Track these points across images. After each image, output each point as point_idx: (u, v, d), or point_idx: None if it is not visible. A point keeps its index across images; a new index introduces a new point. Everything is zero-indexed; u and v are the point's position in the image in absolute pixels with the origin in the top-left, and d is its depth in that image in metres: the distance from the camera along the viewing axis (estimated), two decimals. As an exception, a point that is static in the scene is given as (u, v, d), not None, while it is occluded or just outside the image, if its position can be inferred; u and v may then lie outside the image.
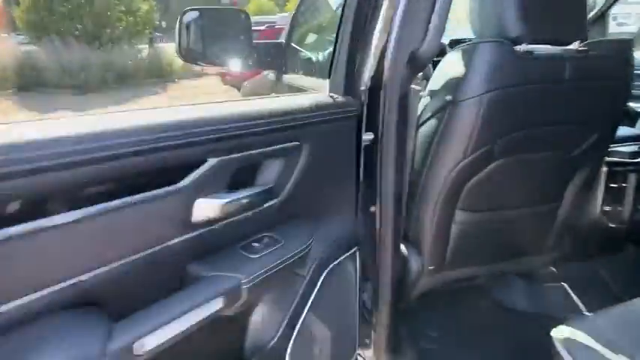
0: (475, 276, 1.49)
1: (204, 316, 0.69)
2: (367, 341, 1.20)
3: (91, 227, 0.61)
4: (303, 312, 0.93)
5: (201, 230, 0.76)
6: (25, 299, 0.57)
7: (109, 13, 9.85)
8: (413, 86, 1.13)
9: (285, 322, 0.91)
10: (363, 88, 0.98)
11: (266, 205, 0.85)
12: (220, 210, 0.76)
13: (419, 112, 1.26)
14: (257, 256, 0.80)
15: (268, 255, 0.81)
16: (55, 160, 0.56)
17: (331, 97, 0.96)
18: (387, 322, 1.16)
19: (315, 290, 0.95)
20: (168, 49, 9.92)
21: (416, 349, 1.34)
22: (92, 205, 0.60)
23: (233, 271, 0.76)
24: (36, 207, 0.57)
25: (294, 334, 0.92)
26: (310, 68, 1.74)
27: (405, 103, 0.99)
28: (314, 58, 1.74)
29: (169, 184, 0.68)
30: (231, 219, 0.79)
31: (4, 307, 0.55)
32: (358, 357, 1.20)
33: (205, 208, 0.74)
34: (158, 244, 0.70)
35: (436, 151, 1.18)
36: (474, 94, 1.05)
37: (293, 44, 1.78)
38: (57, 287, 0.59)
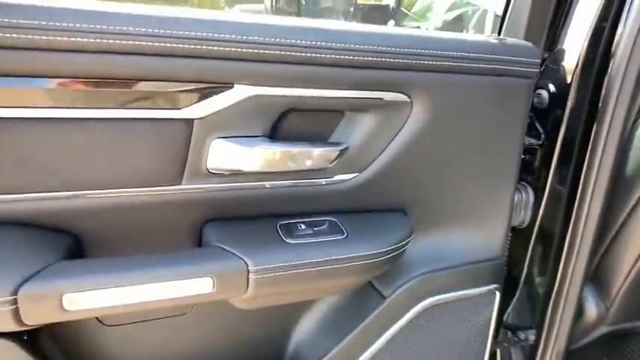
0: None
1: (181, 295, 0.52)
2: None
3: (80, 132, 0.50)
4: (372, 345, 0.70)
5: (223, 185, 0.58)
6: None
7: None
8: None
9: (338, 348, 0.69)
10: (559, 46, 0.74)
11: (338, 178, 0.63)
12: (251, 159, 0.55)
13: None
14: (294, 241, 0.59)
15: (313, 245, 0.59)
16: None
17: (498, 38, 0.70)
18: None
19: (402, 321, 0.71)
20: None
21: None
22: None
23: (249, 251, 0.56)
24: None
25: None
26: None
27: None
28: (424, 27, 1.53)
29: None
30: (277, 183, 0.59)
31: None
32: None
33: (226, 153, 0.54)
34: (158, 183, 0.54)
35: None
36: None
37: (403, 8, 1.55)
38: (19, 196, 0.50)
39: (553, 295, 0.88)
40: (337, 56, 0.54)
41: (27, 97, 0.46)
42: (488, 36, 0.71)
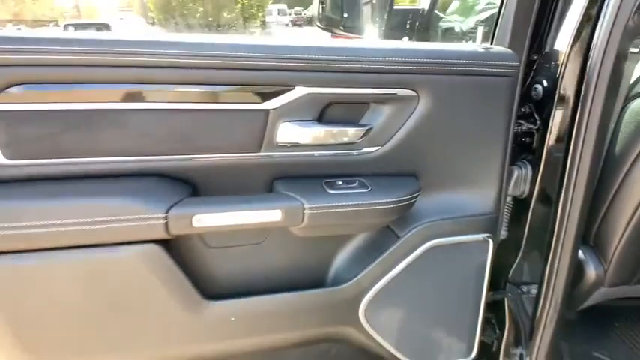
0: None
1: (262, 221, 0.80)
2: (520, 348, 1.17)
3: (196, 117, 0.78)
4: (388, 272, 0.93)
5: (288, 153, 0.84)
6: (137, 158, 0.79)
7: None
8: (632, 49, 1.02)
9: (364, 273, 0.92)
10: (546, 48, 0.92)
11: (365, 150, 0.87)
12: (305, 136, 0.82)
13: (631, 81, 1.13)
14: (334, 192, 0.83)
15: (347, 195, 0.83)
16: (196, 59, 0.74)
17: (484, 47, 0.90)
18: (550, 331, 1.09)
19: (411, 257, 0.94)
20: (277, 29, 10.59)
21: None
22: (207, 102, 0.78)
23: (304, 196, 0.82)
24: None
25: (372, 290, 0.93)
26: (451, 39, 1.68)
27: (620, 65, 0.89)
28: (457, 28, 1.67)
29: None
30: (323, 153, 0.85)
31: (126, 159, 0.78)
32: (510, 356, 1.19)
33: (290, 132, 0.81)
34: (245, 151, 0.82)
35: None
36: None
37: (437, 11, 1.74)
38: (163, 158, 0.79)
39: (550, 254, 1.04)
40: (365, 65, 0.80)
41: (158, 95, 0.75)
42: (478, 45, 0.93)
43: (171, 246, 0.82)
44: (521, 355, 1.18)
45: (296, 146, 0.84)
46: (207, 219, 0.77)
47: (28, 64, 0.68)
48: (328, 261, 0.97)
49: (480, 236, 0.97)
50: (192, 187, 0.82)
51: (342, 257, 0.97)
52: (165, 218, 0.74)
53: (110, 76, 0.72)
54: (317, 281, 0.97)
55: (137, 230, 0.74)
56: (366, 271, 0.92)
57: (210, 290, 0.87)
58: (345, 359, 1.04)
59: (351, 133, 0.85)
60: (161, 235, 0.76)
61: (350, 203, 0.83)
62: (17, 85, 0.68)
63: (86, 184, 0.76)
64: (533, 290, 1.13)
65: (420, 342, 1.03)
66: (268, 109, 0.80)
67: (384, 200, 0.85)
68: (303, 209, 0.81)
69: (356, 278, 0.93)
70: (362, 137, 0.86)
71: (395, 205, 0.87)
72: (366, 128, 0.86)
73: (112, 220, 0.73)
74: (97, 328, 0.81)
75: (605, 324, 1.41)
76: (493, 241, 0.99)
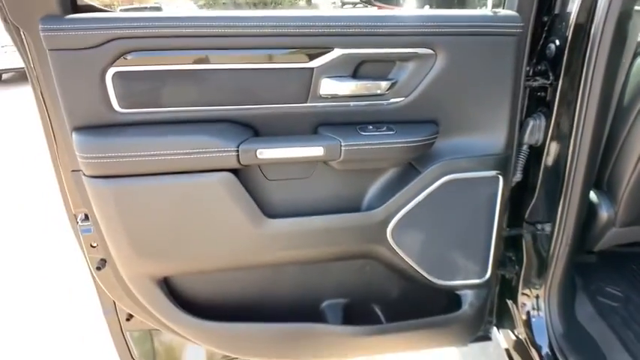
0: None
1: (308, 155, 1.01)
2: (536, 281, 1.32)
3: (257, 75, 0.99)
4: (411, 201, 1.10)
5: (328, 103, 1.00)
6: (216, 108, 1.00)
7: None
8: (636, 7, 1.13)
9: (391, 201, 1.10)
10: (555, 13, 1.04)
11: (392, 100, 1.02)
12: (343, 89, 0.98)
13: (639, 38, 1.22)
14: (365, 133, 1.00)
15: (376, 136, 1.00)
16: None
17: (493, 12, 1.02)
18: (562, 265, 1.24)
19: (430, 189, 1.10)
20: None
21: (593, 301, 1.36)
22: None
23: (341, 136, 1.00)
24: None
25: (397, 215, 1.11)
26: (469, 4, 1.77)
27: (623, 24, 0.98)
28: None
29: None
30: (357, 103, 1.01)
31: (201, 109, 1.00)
32: (524, 296, 1.34)
33: (330, 86, 0.98)
34: (295, 102, 1.00)
35: None
36: None
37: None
38: (233, 107, 1.00)
39: (562, 195, 1.18)
40: (390, 29, 0.99)
41: (229, 58, 0.95)
42: (486, 9, 1.09)
43: (241, 176, 1.06)
44: (536, 285, 1.33)
45: (335, 97, 1.01)
46: (268, 152, 0.99)
47: (138, 36, 0.92)
48: (362, 192, 1.15)
49: (491, 173, 1.14)
50: (255, 130, 1.02)
51: (373, 189, 1.14)
52: (237, 151, 0.98)
53: (194, 44, 0.94)
54: (353, 208, 1.14)
55: (216, 160, 0.99)
56: (392, 199, 1.11)
57: (271, 212, 1.11)
58: (377, 274, 1.26)
59: (379, 86, 1.01)
60: (234, 164, 1.00)
61: (378, 142, 1.03)
62: (130, 52, 0.93)
63: (178, 127, 1.00)
64: (548, 228, 1.27)
65: (439, 261, 1.23)
66: (313, 67, 0.97)
67: (407, 140, 1.05)
68: (341, 146, 1.00)
69: (384, 205, 1.12)
70: (389, 89, 1.02)
71: (416, 144, 1.06)
72: (392, 82, 1.02)
73: (197, 152, 0.98)
74: (188, 237, 1.07)
75: (621, 266, 1.53)
76: (503, 178, 1.16)
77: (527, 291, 1.36)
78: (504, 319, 1.48)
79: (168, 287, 1.17)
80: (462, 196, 1.16)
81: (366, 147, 1.03)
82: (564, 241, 1.24)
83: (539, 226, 1.30)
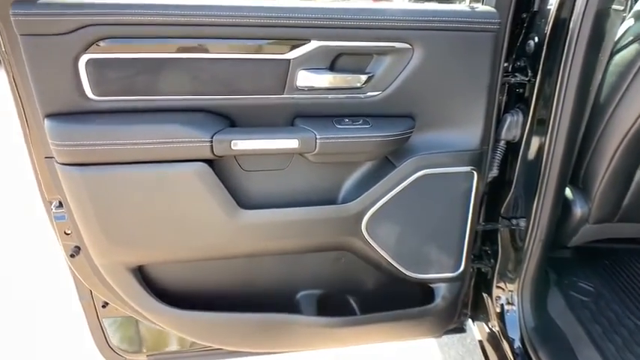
0: None
1: (283, 147, 1.01)
2: (511, 275, 1.33)
3: (233, 65, 0.98)
4: (386, 195, 1.10)
5: (305, 95, 1.00)
6: (192, 97, 1.00)
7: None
8: (614, 7, 1.14)
9: (366, 194, 1.10)
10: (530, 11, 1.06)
11: (369, 94, 1.02)
12: (319, 81, 0.98)
13: (617, 37, 1.23)
14: (341, 126, 1.01)
15: (352, 129, 1.01)
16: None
17: (470, 7, 1.03)
18: (536, 260, 1.25)
19: (405, 183, 1.10)
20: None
21: (565, 295, 1.39)
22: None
23: (317, 129, 0.99)
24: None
25: (372, 209, 1.12)
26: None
27: (601, 22, 0.99)
28: None
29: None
30: (334, 96, 1.01)
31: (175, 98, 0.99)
32: (499, 289, 1.36)
33: (307, 78, 0.98)
34: (271, 93, 1.00)
35: (631, 86, 1.14)
36: None
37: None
38: (208, 97, 1.00)
39: (537, 191, 1.18)
40: (367, 23, 0.99)
41: (205, 48, 0.94)
42: (466, 5, 1.09)
43: (216, 166, 1.06)
44: (510, 279, 1.34)
45: (312, 90, 1.01)
46: (242, 144, 1.00)
47: (112, 23, 0.91)
48: (338, 184, 1.15)
49: (466, 168, 1.15)
50: (231, 121, 1.02)
51: (349, 182, 1.15)
52: (211, 142, 0.98)
53: (170, 33, 0.93)
54: (329, 200, 1.15)
55: (190, 150, 0.99)
56: (367, 192, 1.12)
57: (246, 203, 1.12)
58: (352, 266, 1.28)
59: (356, 79, 1.02)
60: (208, 155, 1.00)
61: (354, 135, 1.04)
62: (104, 39, 0.92)
63: (152, 115, 1.00)
64: (523, 223, 1.28)
65: (413, 255, 1.24)
66: (289, 59, 0.97)
67: (382, 134, 1.05)
68: (316, 139, 1.02)
69: (360, 198, 1.12)
70: (366, 83, 1.02)
71: (391, 139, 1.06)
72: (369, 75, 1.02)
73: (171, 142, 0.98)
74: (161, 226, 1.07)
75: (595, 262, 1.55)
76: (477, 173, 1.17)
77: (501, 284, 1.38)
78: (479, 312, 1.51)
79: (143, 276, 1.18)
80: (437, 191, 1.17)
81: (342, 140, 1.03)
82: (538, 237, 1.25)
83: (514, 221, 1.32)
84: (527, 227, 1.26)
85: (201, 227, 1.09)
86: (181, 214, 1.07)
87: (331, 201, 1.17)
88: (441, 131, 1.13)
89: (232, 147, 0.99)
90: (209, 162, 1.03)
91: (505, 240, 1.36)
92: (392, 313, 1.28)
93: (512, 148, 1.26)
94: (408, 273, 1.26)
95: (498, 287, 1.40)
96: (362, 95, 1.05)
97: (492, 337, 1.44)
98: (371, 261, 1.24)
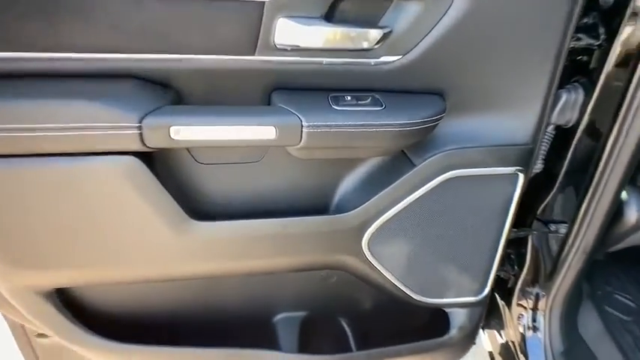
0: None
1: (252, 138, 0.69)
2: (539, 290, 1.11)
3: (175, 7, 0.65)
4: (398, 202, 0.83)
5: (287, 58, 0.70)
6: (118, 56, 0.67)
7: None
8: None
9: (371, 201, 0.83)
10: None
11: (383, 59, 0.73)
12: (309, 37, 0.67)
13: None
14: (341, 108, 0.71)
15: (355, 113, 0.71)
16: None
17: None
18: (574, 274, 1.03)
19: (426, 188, 0.83)
20: None
21: (600, 312, 1.18)
22: None
23: (304, 111, 0.70)
24: None
25: (379, 220, 0.84)
26: None
27: None
28: None
29: None
30: (331, 60, 0.71)
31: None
32: (520, 307, 1.14)
33: (290, 31, 0.67)
34: (236, 53, 0.69)
35: None
36: None
37: None
38: (139, 56, 0.67)
39: (590, 192, 0.94)
40: None
41: None
42: None
43: (156, 159, 0.74)
44: (537, 295, 1.12)
45: (298, 50, 0.70)
46: (188, 131, 0.66)
47: None
48: (333, 185, 0.87)
49: (509, 169, 0.85)
50: (175, 94, 0.71)
51: (348, 182, 0.87)
52: (139, 128, 0.64)
53: None
54: (319, 207, 0.88)
55: (109, 139, 0.65)
56: (373, 199, 0.83)
57: (201, 211, 0.80)
58: (346, 286, 0.98)
59: (366, 36, 0.70)
60: (138, 146, 0.67)
61: (358, 123, 0.71)
62: None
63: (52, 84, 0.65)
64: (563, 230, 1.05)
65: (427, 276, 0.96)
66: (263, 1, 0.65)
67: (400, 121, 0.72)
68: (302, 127, 0.69)
69: (362, 207, 0.83)
70: (379, 42, 0.71)
71: (413, 128, 0.74)
72: (385, 31, 0.70)
73: (82, 127, 0.64)
74: (74, 241, 0.76)
75: (632, 267, 1.33)
76: (524, 175, 0.87)
77: (524, 302, 1.18)
78: (491, 318, 1.30)
79: (65, 299, 0.87)
80: (468, 199, 0.87)
81: (340, 130, 0.71)
82: (582, 247, 1.02)
83: (552, 226, 1.08)
84: (568, 234, 1.03)
85: (134, 244, 0.78)
86: (105, 225, 0.75)
87: (322, 209, 0.87)
88: (481, 116, 0.82)
89: (172, 136, 0.66)
90: (143, 155, 0.70)
91: (537, 247, 1.13)
92: (396, 349, 1.00)
93: (562, 135, 0.99)
94: (417, 297, 0.98)
95: (520, 305, 1.19)
96: (372, 61, 0.74)
97: (506, 352, 1.25)
98: (370, 282, 0.95)
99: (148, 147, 0.66)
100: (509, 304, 1.21)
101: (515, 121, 0.83)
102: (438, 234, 0.90)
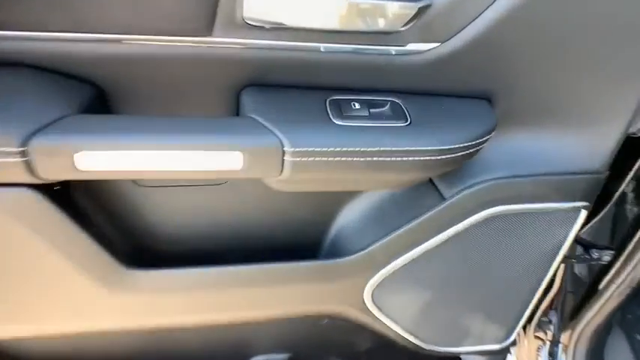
0: None
1: (207, 169, 0.46)
2: (565, 322, 0.96)
3: None
4: (419, 246, 0.63)
5: (264, 41, 0.47)
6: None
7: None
8: None
9: (380, 243, 0.62)
10: None
11: (411, 47, 0.50)
12: (295, 9, 0.44)
13: None
14: (343, 122, 0.49)
15: (367, 131, 0.49)
16: None
17: None
18: (611, 307, 0.88)
19: (460, 226, 0.62)
20: None
21: (630, 341, 1.01)
22: None
23: (287, 127, 0.47)
24: None
25: (388, 268, 0.63)
26: None
27: None
28: None
29: None
30: (331, 46, 0.49)
31: None
32: (538, 339, 1.00)
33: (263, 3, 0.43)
34: (186, 33, 0.45)
35: None
36: None
37: None
38: (39, 34, 0.43)
39: None
40: None
41: None
42: None
43: (71, 186, 0.51)
44: (561, 329, 0.97)
45: (282, 29, 0.45)
46: (102, 158, 0.42)
47: None
48: (327, 216, 0.66)
49: (571, 205, 0.63)
50: (95, 92, 0.47)
51: (349, 215, 0.65)
52: (23, 153, 0.41)
53: None
54: (307, 245, 0.66)
55: None
56: (384, 240, 0.60)
57: (147, 250, 0.58)
58: (339, 330, 0.78)
59: (390, 12, 0.46)
60: (28, 178, 0.43)
61: (371, 148, 0.47)
62: None
63: None
64: (607, 257, 0.89)
65: (444, 325, 0.76)
66: None
67: (434, 147, 0.48)
68: (283, 153, 0.46)
69: (369, 249, 0.61)
70: (409, 23, 0.46)
71: (450, 156, 0.50)
72: (419, 5, 0.45)
73: None
74: None
75: None
76: (588, 211, 0.65)
77: (541, 334, 1.02)
78: None
79: None
80: (511, 240, 0.65)
81: (344, 158, 0.47)
82: (628, 280, 0.86)
83: (595, 253, 0.89)
84: (611, 263, 0.87)
85: (54, 296, 0.55)
86: (11, 275, 0.53)
87: (311, 247, 0.64)
88: (540, 132, 0.59)
89: (79, 166, 0.43)
90: (44, 186, 0.47)
91: (570, 275, 0.97)
92: None
93: (629, 144, 0.76)
94: (428, 347, 0.78)
95: (537, 337, 1.03)
96: (393, 49, 0.49)
97: None
98: (370, 330, 0.74)
99: (43, 179, 0.43)
100: (524, 328, 1.05)
101: (588, 140, 0.60)
102: (464, 278, 0.68)
